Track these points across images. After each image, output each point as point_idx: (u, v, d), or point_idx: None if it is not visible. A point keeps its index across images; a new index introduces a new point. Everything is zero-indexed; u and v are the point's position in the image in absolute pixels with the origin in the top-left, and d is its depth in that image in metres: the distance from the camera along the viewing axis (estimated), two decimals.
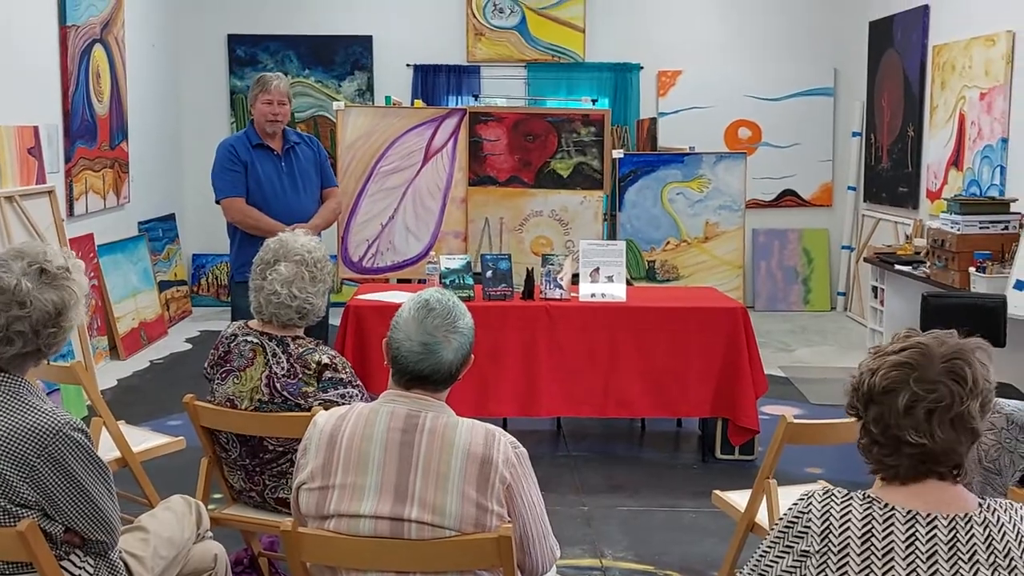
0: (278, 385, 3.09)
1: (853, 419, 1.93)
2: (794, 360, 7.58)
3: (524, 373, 5.17)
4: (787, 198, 9.60)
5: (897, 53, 8.65)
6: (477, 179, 7.16)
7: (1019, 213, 6.07)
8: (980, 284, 5.77)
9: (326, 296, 3.24)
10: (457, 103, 9.20)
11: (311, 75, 9.44)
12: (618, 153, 6.97)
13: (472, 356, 2.30)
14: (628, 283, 6.39)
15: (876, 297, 7.68)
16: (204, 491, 3.23)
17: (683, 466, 5.30)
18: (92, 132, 7.24)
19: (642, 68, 9.45)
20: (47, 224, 6.12)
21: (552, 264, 5.29)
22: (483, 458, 2.16)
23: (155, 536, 2.61)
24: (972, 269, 5.88)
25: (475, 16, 9.42)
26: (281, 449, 3.11)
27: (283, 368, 3.10)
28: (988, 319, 5.03)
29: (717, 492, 3.51)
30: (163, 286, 8.48)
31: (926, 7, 8.11)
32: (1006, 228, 6.00)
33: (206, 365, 3.26)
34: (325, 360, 3.10)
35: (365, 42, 9.41)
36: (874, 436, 1.85)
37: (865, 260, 8.06)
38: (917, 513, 1.80)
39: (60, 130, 6.73)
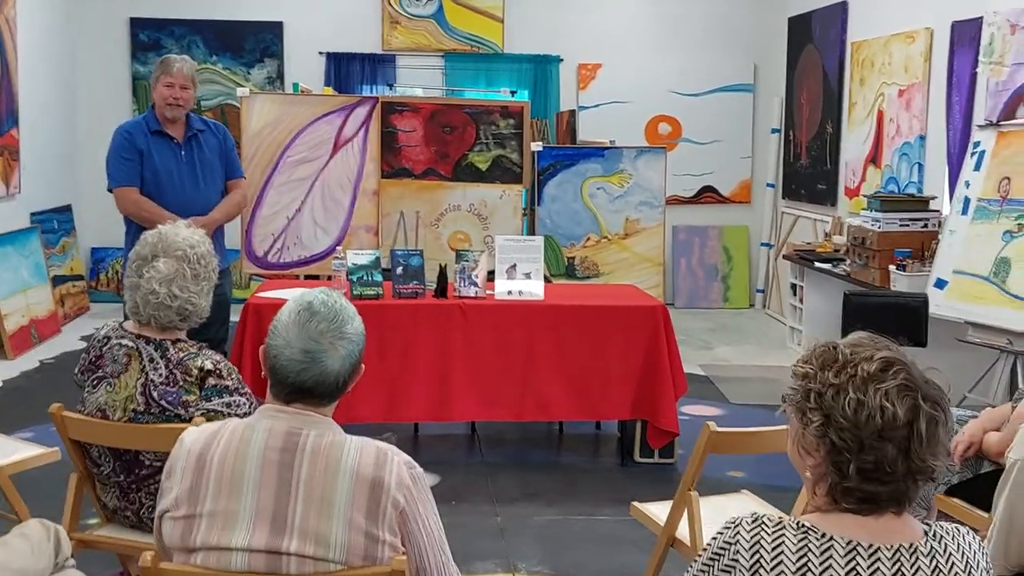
0: (155, 394, 2.79)
1: (777, 428, 1.71)
2: (714, 358, 7.46)
3: (436, 375, 4.92)
4: (707, 195, 9.51)
5: (816, 49, 8.60)
6: (392, 171, 6.90)
7: (938, 211, 6.02)
8: (901, 282, 5.69)
9: (210, 295, 2.95)
10: (372, 93, 8.89)
11: (219, 62, 9.04)
12: (537, 146, 6.76)
13: (362, 366, 2.03)
14: (546, 280, 6.18)
15: (795, 295, 7.61)
16: (73, 510, 2.92)
17: (602, 471, 5.11)
18: None
19: (562, 60, 9.26)
20: None
21: (467, 260, 5.04)
22: (373, 481, 1.91)
23: (3, 569, 2.30)
24: (892, 267, 5.81)
25: (391, 4, 9.12)
26: (159, 464, 2.80)
27: (161, 375, 2.81)
28: (910, 318, 4.95)
29: (636, 504, 3.31)
30: (57, 281, 8.01)
31: (845, 3, 8.06)
32: (926, 225, 5.94)
33: (76, 371, 2.95)
34: (208, 366, 2.82)
35: (275, 28, 9.05)
36: (868, 472, 1.61)
37: (784, 258, 7.99)
38: (858, 544, 1.60)
39: None
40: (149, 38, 8.99)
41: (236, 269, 7.00)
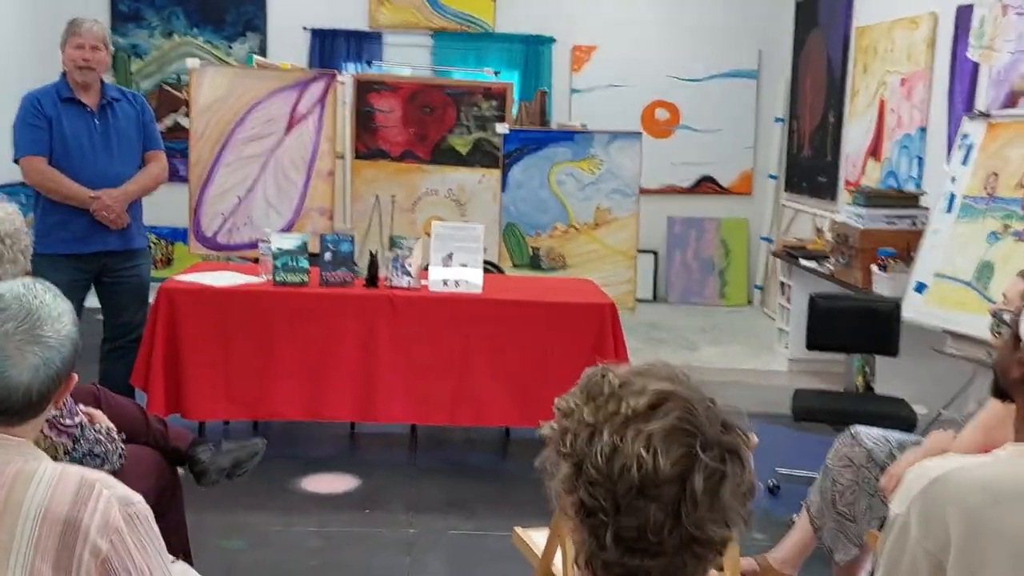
0: None
1: None
2: (695, 361, 7.01)
3: (362, 371, 4.55)
4: (705, 185, 9.05)
5: (822, 34, 8.11)
6: (368, 152, 6.63)
7: (927, 208, 5.55)
8: (882, 284, 5.24)
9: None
10: (357, 71, 8.53)
11: (199, 35, 8.71)
12: (503, 128, 6.36)
13: (73, 376, 1.67)
14: (499, 271, 5.83)
15: (783, 294, 7.16)
16: None
17: (541, 481, 4.72)
18: None
19: (555, 41, 8.83)
20: None
21: (400, 248, 4.67)
22: (67, 521, 1.55)
23: None
24: (875, 267, 5.35)
25: None
26: None
27: None
28: (881, 325, 4.52)
29: (518, 530, 2.94)
30: None
31: None
32: (914, 223, 5.47)
33: None
34: None
35: (258, 1, 8.69)
36: (628, 541, 1.23)
37: (773, 254, 7.53)
38: None
39: None
40: (129, 8, 8.69)
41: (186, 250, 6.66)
